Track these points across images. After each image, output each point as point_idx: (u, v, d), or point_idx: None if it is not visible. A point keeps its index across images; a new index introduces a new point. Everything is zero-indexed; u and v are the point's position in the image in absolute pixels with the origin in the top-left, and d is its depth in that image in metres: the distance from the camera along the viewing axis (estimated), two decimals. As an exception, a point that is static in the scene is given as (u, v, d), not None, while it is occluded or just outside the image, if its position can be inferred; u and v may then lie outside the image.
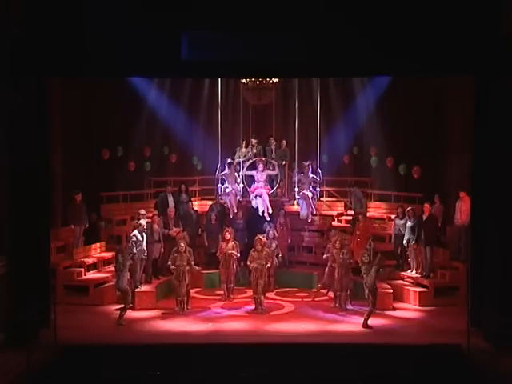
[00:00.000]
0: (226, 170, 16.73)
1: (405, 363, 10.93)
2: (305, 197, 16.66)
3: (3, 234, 12.11)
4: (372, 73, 14.42)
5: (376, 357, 11.28)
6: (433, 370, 10.86)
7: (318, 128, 16.82)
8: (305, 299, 15.31)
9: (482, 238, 12.35)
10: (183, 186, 17.80)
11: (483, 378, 10.49)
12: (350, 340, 12.23)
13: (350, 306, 14.26)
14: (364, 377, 10.60)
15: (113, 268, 13.98)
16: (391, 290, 14.54)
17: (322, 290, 15.31)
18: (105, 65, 12.27)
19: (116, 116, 17.73)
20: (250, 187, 16.80)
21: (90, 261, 15.80)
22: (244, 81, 17.03)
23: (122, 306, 13.45)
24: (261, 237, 14.55)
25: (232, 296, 15.23)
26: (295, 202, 17.27)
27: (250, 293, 14.70)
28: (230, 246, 15.11)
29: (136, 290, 14.43)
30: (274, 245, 15.46)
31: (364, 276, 13.08)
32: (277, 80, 16.91)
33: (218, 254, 15.40)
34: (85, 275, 15.44)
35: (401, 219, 15.64)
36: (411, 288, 14.99)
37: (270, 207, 16.48)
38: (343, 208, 18.32)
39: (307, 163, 16.89)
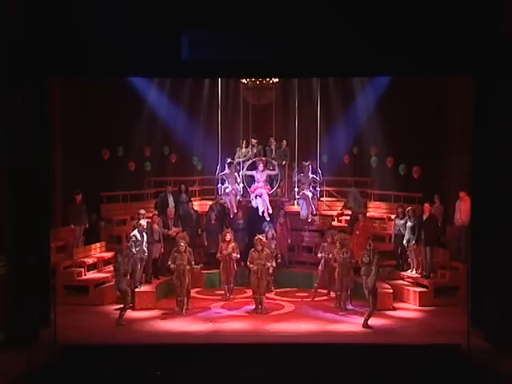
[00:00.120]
0: (226, 170, 16.73)
1: (405, 363, 10.92)
2: (305, 197, 16.65)
3: (3, 234, 12.11)
4: (372, 73, 14.42)
5: (376, 357, 11.27)
6: (433, 370, 10.85)
7: (318, 128, 16.82)
8: (305, 299, 15.31)
9: (482, 238, 12.34)
10: (183, 186, 17.80)
11: (483, 378, 10.48)
12: (350, 340, 12.23)
13: (350, 306, 14.26)
14: (364, 377, 10.60)
15: (113, 268, 13.97)
16: (391, 290, 14.54)
17: (321, 290, 15.29)
18: (105, 65, 12.27)
19: (116, 116, 17.72)
20: (249, 187, 16.81)
21: (90, 261, 15.80)
22: (244, 81, 17.04)
23: (122, 306, 13.45)
24: (261, 237, 14.55)
25: (232, 296, 15.24)
26: (295, 202, 17.27)
27: (249, 293, 14.69)
28: (230, 247, 15.11)
29: (136, 289, 14.43)
30: (273, 245, 15.46)
31: (364, 277, 13.08)
32: (277, 80, 16.93)
33: (218, 255, 15.40)
34: (85, 275, 15.44)
35: (401, 219, 15.64)
36: (411, 288, 14.99)
37: (269, 207, 16.49)
38: (342, 208, 18.29)
39: (307, 163, 16.89)
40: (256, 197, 16.62)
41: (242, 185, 16.76)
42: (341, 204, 18.47)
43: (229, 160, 16.88)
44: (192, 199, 18.11)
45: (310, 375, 10.66)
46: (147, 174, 18.96)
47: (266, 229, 15.89)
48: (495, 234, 12.07)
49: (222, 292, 15.35)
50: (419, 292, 14.71)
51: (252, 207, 16.84)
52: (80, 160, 17.11)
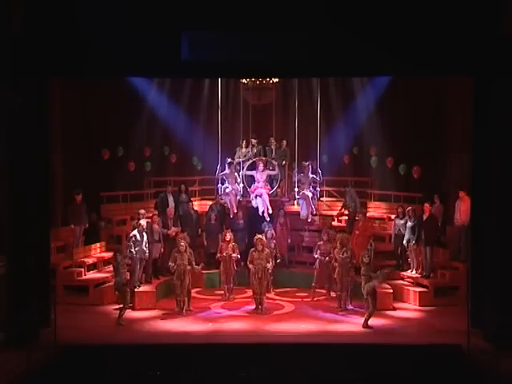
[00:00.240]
0: (226, 170, 16.73)
1: (405, 363, 10.93)
2: (305, 197, 16.65)
3: (3, 234, 12.11)
4: (372, 73, 14.43)
5: (376, 357, 11.27)
6: (433, 370, 10.85)
7: (318, 128, 16.82)
8: (305, 299, 15.31)
9: (482, 238, 12.35)
10: (183, 186, 17.80)
11: (483, 377, 10.48)
12: (350, 340, 12.23)
13: (350, 306, 14.26)
14: (364, 377, 10.60)
15: (112, 268, 13.97)
16: (391, 290, 14.54)
17: (320, 290, 15.28)
18: (105, 65, 12.28)
19: (116, 116, 17.72)
20: (249, 187, 16.80)
21: (90, 261, 15.80)
22: (244, 81, 17.05)
23: (121, 305, 13.43)
24: (261, 236, 14.55)
25: (232, 296, 15.24)
26: (295, 201, 17.27)
27: (250, 293, 14.70)
28: (229, 247, 15.11)
29: (136, 289, 14.43)
30: (272, 245, 15.46)
31: (362, 277, 13.08)
32: (277, 80, 16.93)
33: (218, 255, 15.39)
34: (85, 275, 15.44)
35: (401, 219, 15.64)
36: (411, 288, 14.99)
37: (269, 207, 16.49)
38: (341, 208, 18.26)
39: (307, 163, 16.88)
40: (256, 197, 16.62)
41: (241, 185, 16.76)
42: (341, 204, 18.46)
43: (229, 160, 16.87)
44: (192, 199, 18.11)
45: (310, 375, 10.65)
46: (147, 174, 18.96)
47: (266, 229, 15.90)
48: (495, 234, 12.07)
49: (222, 292, 15.35)
50: (419, 292, 14.71)
51: (252, 207, 16.85)
52: (80, 160, 17.11)
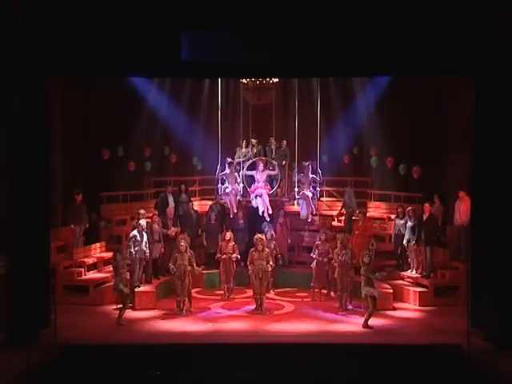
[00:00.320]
0: (226, 170, 16.73)
1: (405, 363, 10.93)
2: (305, 197, 16.65)
3: (3, 234, 12.11)
4: (372, 73, 14.43)
5: (376, 357, 11.28)
6: (433, 370, 10.85)
7: (318, 128, 16.81)
8: (305, 299, 15.30)
9: (482, 238, 12.34)
10: (183, 186, 17.80)
11: (483, 377, 10.49)
12: (350, 340, 12.23)
13: (350, 306, 14.26)
14: (364, 377, 10.60)
15: (112, 267, 13.96)
16: (391, 290, 14.53)
17: (318, 290, 15.27)
18: (105, 65, 12.28)
19: (116, 116, 17.72)
20: (250, 187, 16.80)
21: (90, 261, 15.81)
22: (244, 81, 17.05)
23: (121, 305, 13.42)
24: (261, 236, 14.55)
25: (232, 296, 15.24)
26: (295, 201, 17.27)
27: (250, 293, 14.70)
28: (229, 246, 15.12)
29: (136, 289, 14.43)
30: (272, 246, 15.46)
31: (362, 277, 13.08)
32: (277, 80, 16.94)
33: (217, 255, 15.38)
34: (85, 275, 15.44)
35: (401, 219, 15.64)
36: (411, 288, 14.99)
37: (269, 207, 16.48)
38: (341, 208, 18.26)
39: (307, 163, 16.88)
40: (256, 197, 16.61)
41: (241, 185, 16.76)
42: (341, 204, 18.45)
43: (229, 160, 16.87)
44: (192, 199, 18.11)
45: (310, 375, 10.66)
46: (147, 174, 18.97)
47: (266, 229, 15.90)
48: (495, 234, 12.07)
49: (222, 292, 15.35)
50: (419, 292, 14.71)
51: (252, 207, 16.85)
52: (80, 160, 17.11)
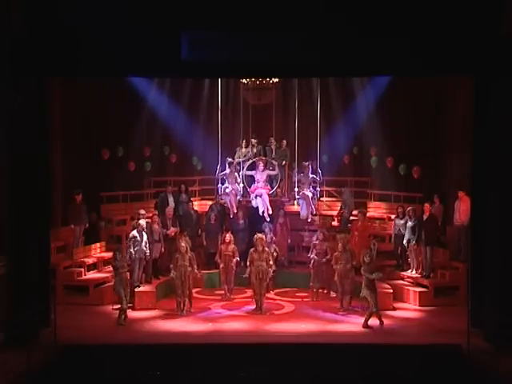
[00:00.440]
0: (226, 170, 16.73)
1: (405, 363, 10.92)
2: (305, 197, 16.65)
3: (3, 234, 12.11)
4: (372, 73, 14.43)
5: (376, 357, 11.27)
6: (433, 370, 10.85)
7: (318, 128, 16.81)
8: (305, 299, 15.30)
9: (482, 238, 12.34)
10: (183, 186, 17.81)
11: (483, 378, 10.48)
12: (350, 340, 12.23)
13: (350, 306, 14.24)
14: (364, 377, 10.60)
15: (111, 267, 13.97)
16: (391, 290, 14.54)
17: (317, 290, 15.27)
18: (105, 65, 12.27)
19: (116, 116, 17.72)
20: (249, 187, 16.80)
21: (90, 261, 15.81)
22: (244, 81, 17.06)
23: (121, 305, 13.39)
24: (261, 235, 14.54)
25: (232, 296, 15.23)
26: (295, 202, 17.27)
27: (250, 293, 14.71)
28: (229, 249, 15.10)
29: (136, 289, 14.42)
30: (272, 249, 15.42)
31: (363, 277, 13.08)
32: (277, 80, 16.95)
33: (216, 258, 15.35)
34: (85, 275, 15.44)
35: (401, 219, 15.64)
36: (411, 288, 14.99)
37: (269, 207, 16.48)
38: (340, 208, 18.27)
39: (307, 163, 16.88)
40: (256, 197, 16.61)
41: (241, 185, 16.76)
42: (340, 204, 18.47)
43: (229, 160, 16.87)
44: (192, 199, 18.11)
45: (310, 375, 10.66)
46: (147, 174, 18.97)
47: (266, 229, 15.89)
48: (495, 234, 12.07)
49: (222, 292, 15.35)
50: (419, 292, 14.71)
51: (252, 207, 16.84)
52: (80, 160, 17.10)
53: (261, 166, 16.81)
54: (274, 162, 17.34)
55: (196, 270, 14.36)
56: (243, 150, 17.66)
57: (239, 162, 17.19)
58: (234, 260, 15.08)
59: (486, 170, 12.26)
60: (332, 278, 14.59)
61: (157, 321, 13.59)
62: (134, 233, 14.63)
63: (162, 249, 15.50)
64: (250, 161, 17.14)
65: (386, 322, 13.34)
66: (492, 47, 11.75)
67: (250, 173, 16.90)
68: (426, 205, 15.27)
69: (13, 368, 10.63)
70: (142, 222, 14.89)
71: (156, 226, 15.40)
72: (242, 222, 16.75)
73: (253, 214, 16.87)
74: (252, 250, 14.33)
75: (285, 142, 17.98)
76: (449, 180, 16.90)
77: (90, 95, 17.11)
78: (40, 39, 11.93)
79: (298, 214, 16.92)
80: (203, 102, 18.78)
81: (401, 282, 15.44)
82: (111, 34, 11.78)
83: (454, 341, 11.70)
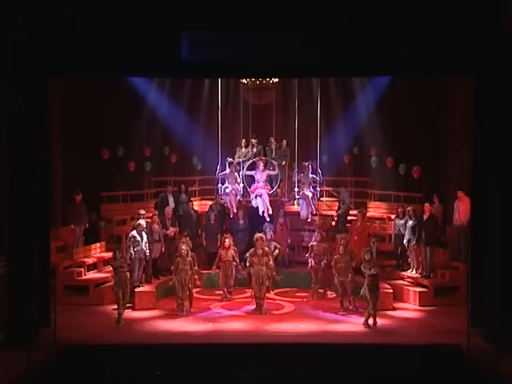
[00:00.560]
0: (226, 170, 16.73)
1: (405, 363, 10.92)
2: (305, 197, 16.65)
3: (3, 234, 12.11)
4: (372, 73, 14.43)
5: (376, 357, 11.27)
6: (433, 370, 10.85)
7: (318, 128, 16.82)
8: (305, 299, 15.30)
9: (482, 238, 12.34)
10: (183, 186, 17.80)
11: (483, 378, 10.49)
12: (350, 340, 12.23)
13: (350, 306, 14.25)
14: (364, 377, 10.60)
15: (111, 266, 13.98)
16: (391, 290, 14.54)
17: (320, 290, 15.29)
18: (105, 65, 12.28)
19: (116, 116, 17.72)
20: (249, 187, 16.80)
21: (90, 261, 15.81)
22: (244, 81, 17.07)
23: (120, 305, 13.36)
24: (261, 235, 14.52)
25: (232, 296, 15.23)
26: (295, 202, 17.27)
27: (249, 293, 14.70)
28: (229, 254, 15.06)
29: (136, 289, 14.42)
30: (272, 246, 15.41)
31: (365, 271, 13.09)
32: (277, 80, 16.96)
33: (216, 261, 15.30)
34: (85, 275, 15.44)
35: (401, 219, 15.63)
36: (411, 288, 14.98)
37: (269, 207, 16.48)
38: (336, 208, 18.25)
39: (307, 163, 16.89)
40: (256, 197, 16.61)
41: (241, 185, 16.76)
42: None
43: (229, 160, 16.87)
44: (192, 199, 18.11)
45: (310, 375, 10.65)
46: (147, 174, 18.97)
47: (267, 230, 15.89)
48: (495, 234, 12.07)
49: (222, 292, 15.32)
50: (419, 292, 14.71)
51: (252, 207, 16.84)
52: (80, 160, 17.09)
53: (261, 165, 16.81)
54: (274, 161, 17.34)
55: (196, 276, 14.33)
56: (243, 150, 17.66)
57: (239, 162, 17.19)
58: (235, 264, 15.05)
59: (486, 170, 12.26)
60: (331, 278, 14.58)
61: (157, 321, 13.59)
62: (134, 233, 14.63)
63: (163, 249, 15.50)
64: (250, 161, 17.14)
65: (386, 322, 13.35)
66: (492, 47, 11.76)
67: (249, 173, 16.90)
68: (427, 205, 15.27)
69: (13, 368, 10.63)
70: (142, 221, 14.89)
71: (156, 226, 15.40)
72: (242, 221, 16.75)
73: (253, 214, 16.87)
74: (251, 251, 14.29)
75: (285, 141, 17.97)
76: (449, 180, 16.90)
77: (90, 95, 17.10)
78: (40, 39, 11.93)
79: (298, 214, 16.92)
80: (203, 102, 18.77)
81: (401, 281, 15.44)
82: (111, 33, 11.78)
83: (454, 341, 11.70)
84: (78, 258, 15.61)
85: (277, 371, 10.75)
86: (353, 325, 13.23)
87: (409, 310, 14.42)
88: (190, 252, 14.20)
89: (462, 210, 15.10)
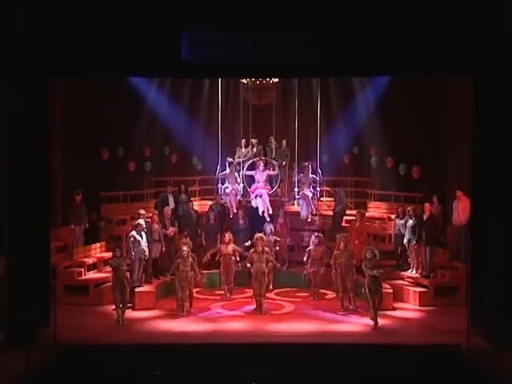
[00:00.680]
0: (226, 170, 16.73)
1: (405, 363, 10.92)
2: (305, 197, 16.66)
3: (3, 234, 12.11)
4: (372, 73, 14.43)
5: (376, 357, 11.27)
6: (433, 370, 10.85)
7: (318, 128, 16.82)
8: (305, 299, 15.30)
9: (482, 238, 12.34)
10: (183, 186, 17.81)
11: (483, 378, 10.49)
12: (350, 340, 12.23)
13: (350, 306, 14.24)
14: (364, 377, 10.60)
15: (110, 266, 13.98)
16: (391, 290, 14.53)
17: (319, 290, 15.29)
18: (105, 65, 12.28)
19: (116, 116, 17.72)
20: (249, 187, 16.80)
21: (89, 261, 15.81)
22: (244, 81, 17.08)
23: (119, 305, 13.36)
24: (261, 235, 14.52)
25: (232, 296, 15.23)
26: (295, 202, 17.28)
27: (249, 293, 14.70)
28: (229, 248, 15.09)
29: (136, 289, 14.42)
30: (272, 239, 15.43)
31: (365, 272, 13.09)
32: (277, 80, 16.97)
33: (217, 258, 15.33)
34: (85, 275, 15.44)
35: (401, 219, 15.63)
36: (411, 288, 14.98)
37: (269, 207, 16.48)
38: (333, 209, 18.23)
39: (307, 163, 16.89)
40: (256, 197, 16.62)
41: (241, 185, 16.76)
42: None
43: (229, 160, 16.87)
44: (192, 199, 18.11)
45: (310, 375, 10.65)
46: (147, 174, 18.98)
47: (267, 230, 15.89)
48: (495, 234, 12.07)
49: (222, 292, 15.33)
50: (419, 292, 14.71)
51: (252, 207, 16.85)
52: (80, 160, 17.09)
53: (261, 166, 16.81)
54: (274, 161, 17.34)
55: (199, 276, 14.38)
56: (243, 149, 17.66)
57: (239, 162, 17.19)
58: (234, 258, 15.06)
59: (486, 170, 12.26)
60: (331, 278, 14.57)
61: (157, 321, 13.59)
62: (134, 233, 14.63)
63: (163, 249, 15.50)
64: (250, 161, 17.15)
65: (386, 322, 13.34)
66: (492, 47, 11.75)
67: (249, 173, 16.91)
68: (427, 205, 15.27)
69: (13, 368, 10.63)
70: (141, 221, 14.88)
71: (156, 226, 15.39)
72: (242, 222, 16.74)
73: (253, 214, 16.87)
74: (252, 250, 14.32)
75: (285, 142, 17.98)
76: (449, 180, 16.91)
77: (90, 95, 17.09)
78: (40, 39, 11.93)
79: (298, 214, 16.92)
80: (203, 102, 18.79)
81: (401, 281, 15.43)
82: (111, 33, 11.77)
83: (454, 341, 11.70)
84: (78, 258, 15.61)
85: (277, 371, 10.75)
86: (353, 325, 13.23)
87: (409, 310, 14.42)
88: (190, 253, 14.20)
89: (460, 209, 15.10)
